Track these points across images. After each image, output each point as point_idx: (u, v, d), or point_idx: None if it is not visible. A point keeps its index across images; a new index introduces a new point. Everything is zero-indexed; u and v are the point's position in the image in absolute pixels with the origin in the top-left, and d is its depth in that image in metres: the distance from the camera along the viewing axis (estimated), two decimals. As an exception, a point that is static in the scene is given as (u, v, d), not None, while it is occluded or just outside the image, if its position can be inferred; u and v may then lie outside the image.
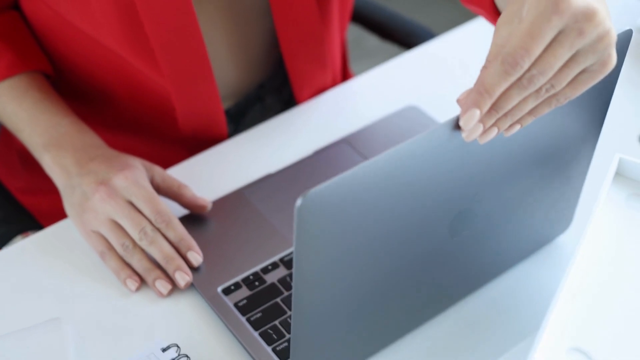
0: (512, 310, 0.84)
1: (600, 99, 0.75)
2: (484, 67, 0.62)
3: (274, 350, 0.79)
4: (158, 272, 0.85)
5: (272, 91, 1.13)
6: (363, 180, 0.61)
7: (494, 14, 0.81)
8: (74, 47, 0.98)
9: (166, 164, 1.02)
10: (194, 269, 0.86)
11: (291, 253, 0.87)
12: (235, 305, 0.83)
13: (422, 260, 0.74)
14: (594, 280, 0.73)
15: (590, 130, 0.78)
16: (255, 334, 0.81)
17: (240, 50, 1.04)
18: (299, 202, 0.58)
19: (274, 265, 0.86)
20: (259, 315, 0.82)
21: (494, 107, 0.63)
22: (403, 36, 1.33)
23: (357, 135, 1.01)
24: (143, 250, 0.86)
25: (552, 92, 0.63)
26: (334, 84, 1.13)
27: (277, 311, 0.82)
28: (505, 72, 0.61)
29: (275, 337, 0.80)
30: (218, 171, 0.98)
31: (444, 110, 1.04)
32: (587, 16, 0.60)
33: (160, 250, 0.85)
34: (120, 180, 0.87)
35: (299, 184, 0.95)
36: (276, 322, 0.81)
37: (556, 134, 0.74)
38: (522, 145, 0.72)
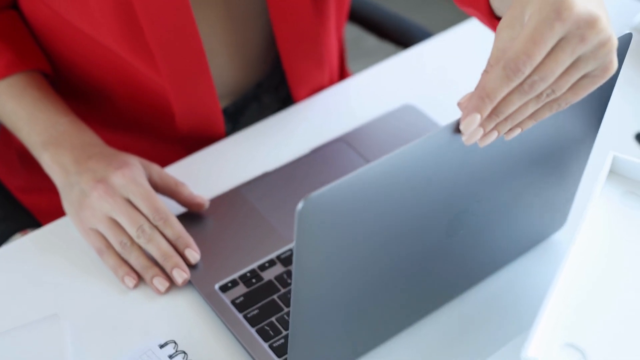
0: (507, 307, 0.84)
1: (598, 100, 0.76)
2: (485, 71, 0.63)
3: (270, 346, 0.80)
4: (156, 270, 0.86)
5: (270, 90, 1.13)
6: (363, 184, 0.62)
7: (489, 17, 0.81)
8: (72, 46, 0.98)
9: (164, 162, 1.02)
10: (191, 267, 0.87)
11: (288, 250, 0.88)
12: (233, 302, 0.83)
13: (419, 260, 0.74)
14: (587, 276, 0.73)
15: (588, 130, 0.78)
16: (252, 330, 0.81)
17: (237, 49, 1.04)
18: (300, 205, 0.58)
19: (271, 263, 0.87)
20: (255, 312, 0.83)
21: (494, 111, 0.63)
22: (400, 36, 1.33)
23: (354, 134, 1.01)
24: (141, 248, 0.86)
25: (553, 97, 0.64)
26: (331, 83, 1.14)
27: (274, 308, 0.83)
28: (507, 77, 0.61)
29: (272, 333, 0.81)
30: (215, 169, 0.98)
31: (441, 109, 1.05)
32: (589, 23, 0.60)
33: (158, 248, 0.86)
34: (118, 178, 0.88)
35: (296, 182, 0.95)
36: (273, 319, 0.82)
37: (554, 134, 0.75)
38: (521, 146, 0.73)
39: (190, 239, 0.87)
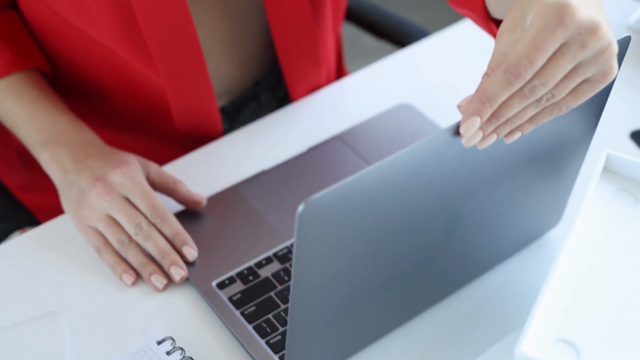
0: (502, 304, 0.85)
1: (596, 100, 0.76)
2: (486, 75, 0.63)
3: (267, 343, 0.80)
4: (153, 267, 0.86)
5: (267, 89, 1.14)
6: (363, 187, 0.62)
7: (485, 18, 0.81)
8: (71, 46, 0.99)
9: (162, 160, 1.03)
10: (189, 264, 0.87)
11: (285, 248, 0.89)
12: (230, 299, 0.84)
13: (416, 259, 0.75)
14: (581, 273, 0.74)
15: (585, 130, 0.79)
16: (249, 327, 0.82)
17: (235, 48, 1.05)
18: (300, 208, 0.59)
19: (268, 260, 0.88)
20: (253, 308, 0.83)
21: (494, 115, 0.64)
22: (397, 35, 1.34)
23: (350, 133, 1.02)
24: (139, 245, 0.87)
25: (553, 101, 0.64)
26: (328, 82, 1.14)
27: (271, 305, 0.84)
28: (508, 81, 0.61)
29: (268, 330, 0.81)
30: (213, 168, 0.99)
31: (437, 108, 1.05)
32: (591, 30, 0.61)
33: (156, 245, 0.86)
34: (116, 177, 0.88)
35: (293, 181, 0.96)
36: (270, 316, 0.83)
37: (552, 134, 0.75)
38: (519, 146, 0.73)
39: (187, 237, 0.88)
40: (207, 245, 0.89)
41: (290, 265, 0.87)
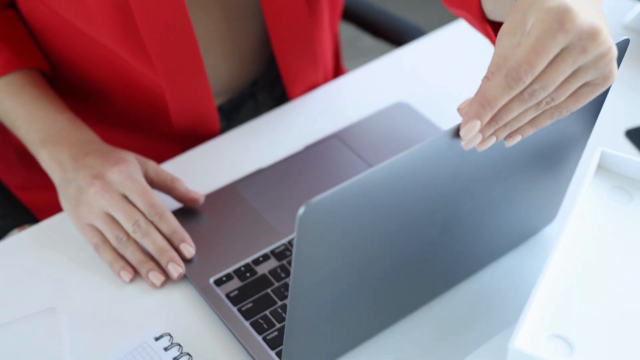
0: (497, 300, 0.86)
1: (593, 101, 0.76)
2: (486, 78, 0.63)
3: (264, 339, 0.81)
4: (151, 264, 0.87)
5: (265, 88, 1.14)
6: (363, 189, 0.63)
7: (480, 19, 0.82)
8: (70, 45, 0.99)
9: (160, 159, 1.03)
10: (186, 261, 0.88)
11: (282, 245, 0.89)
12: (227, 295, 0.85)
13: (414, 258, 0.76)
14: (574, 269, 0.74)
15: (582, 129, 0.79)
16: (246, 323, 0.82)
17: (232, 47, 1.05)
18: (301, 210, 0.59)
19: (265, 257, 0.88)
20: (249, 305, 0.84)
21: (494, 118, 0.64)
22: (394, 35, 1.34)
23: (347, 131, 1.02)
24: (137, 243, 0.88)
25: (552, 104, 0.64)
26: (325, 80, 1.15)
27: (268, 301, 0.84)
28: (508, 85, 0.62)
29: (265, 326, 0.82)
30: (211, 166, 0.99)
31: (433, 107, 1.06)
32: (591, 35, 0.61)
33: (154, 243, 0.87)
34: (114, 175, 0.89)
35: (290, 179, 0.97)
36: (266, 312, 0.83)
37: (550, 133, 0.75)
38: (517, 145, 0.73)
39: (185, 234, 0.88)
40: (204, 243, 0.90)
41: (287, 263, 0.88)
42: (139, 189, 0.88)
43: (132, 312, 0.85)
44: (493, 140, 0.66)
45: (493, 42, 0.82)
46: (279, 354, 0.80)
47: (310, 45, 1.05)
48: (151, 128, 1.05)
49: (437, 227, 0.75)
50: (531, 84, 0.62)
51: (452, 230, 0.77)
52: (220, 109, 1.10)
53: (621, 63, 1.11)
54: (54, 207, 1.04)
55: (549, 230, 0.92)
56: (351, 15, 1.38)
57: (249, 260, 0.88)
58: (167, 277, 0.87)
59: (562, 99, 0.64)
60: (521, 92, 0.63)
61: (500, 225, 0.83)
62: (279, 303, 0.84)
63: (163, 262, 0.86)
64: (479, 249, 0.84)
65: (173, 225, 0.88)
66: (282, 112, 1.06)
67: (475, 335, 0.83)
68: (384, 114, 1.04)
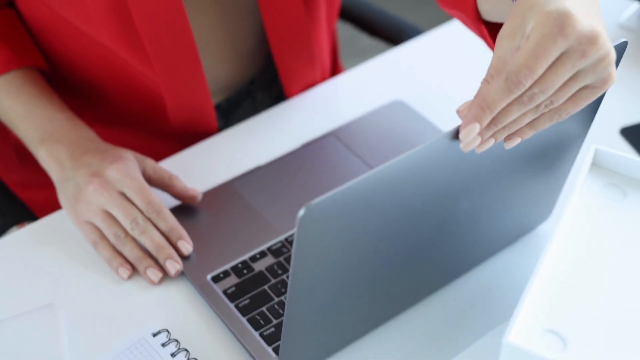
0: (492, 296, 0.86)
1: (591, 102, 0.77)
2: (486, 81, 0.64)
3: (261, 335, 0.82)
4: (149, 261, 0.87)
5: (263, 87, 1.14)
6: (363, 191, 0.63)
7: (475, 20, 0.82)
8: (68, 44, 0.99)
9: (158, 156, 1.04)
10: (184, 258, 0.88)
11: (279, 242, 0.90)
12: (224, 292, 0.85)
13: (411, 256, 0.76)
14: (568, 265, 0.75)
15: (579, 129, 0.80)
16: (243, 319, 0.83)
17: (230, 46, 1.06)
18: (301, 212, 0.60)
19: (262, 254, 0.89)
20: (247, 301, 0.84)
21: (493, 121, 0.65)
22: (391, 34, 1.35)
23: (343, 129, 1.03)
24: (135, 240, 0.88)
25: (551, 107, 0.65)
26: (323, 79, 1.15)
27: (265, 298, 0.85)
28: (508, 89, 0.62)
29: (262, 322, 0.83)
30: (208, 164, 1.00)
31: (429, 105, 1.06)
32: (591, 40, 0.61)
33: (152, 240, 0.87)
34: (112, 172, 0.89)
35: (287, 176, 0.97)
36: (263, 309, 0.84)
37: (547, 133, 0.76)
38: (515, 146, 0.74)
39: (183, 231, 0.89)
40: (202, 240, 0.90)
41: (284, 259, 0.88)
42: (136, 186, 0.89)
43: (130, 309, 0.85)
44: (492, 142, 0.66)
45: (487, 42, 0.83)
46: (275, 350, 0.80)
47: (308, 43, 1.06)
48: (149, 126, 1.05)
49: (435, 227, 0.75)
50: (530, 87, 0.63)
51: (449, 229, 0.77)
52: (218, 107, 1.10)
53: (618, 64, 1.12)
54: (53, 205, 1.05)
55: (544, 228, 0.92)
56: (349, 15, 1.39)
57: (246, 257, 0.88)
58: (165, 274, 0.88)
59: (561, 102, 0.65)
60: (520, 96, 0.63)
61: (496, 223, 0.84)
62: (276, 299, 0.85)
63: (161, 259, 0.87)
64: (474, 246, 0.85)
65: (171, 222, 0.89)
66: (279, 111, 1.06)
67: (471, 331, 0.83)
68: (381, 112, 1.05)
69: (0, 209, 1.11)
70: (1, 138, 1.12)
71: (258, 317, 0.83)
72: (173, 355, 0.80)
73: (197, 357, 0.81)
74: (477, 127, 0.64)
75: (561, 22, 0.61)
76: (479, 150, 0.66)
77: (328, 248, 0.66)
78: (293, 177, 0.97)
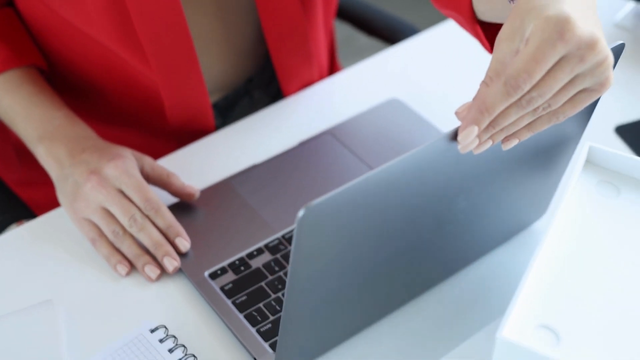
0: (488, 292, 0.87)
1: None
2: (485, 83, 0.64)
3: (258, 331, 0.82)
4: (147, 258, 0.88)
5: (260, 86, 1.15)
6: (362, 193, 0.64)
7: (471, 20, 0.82)
8: (67, 43, 1.00)
9: (156, 155, 1.04)
10: (182, 255, 0.89)
11: (276, 239, 0.90)
12: (222, 288, 0.86)
13: (408, 254, 0.77)
14: (562, 261, 0.75)
15: (575, 129, 0.80)
16: (241, 316, 0.83)
17: (227, 45, 1.06)
18: (301, 213, 0.60)
19: (259, 251, 0.89)
20: (244, 298, 0.85)
21: (491, 123, 0.65)
22: (388, 33, 1.35)
23: (340, 127, 1.03)
24: (133, 237, 0.88)
25: (549, 110, 0.66)
26: (320, 78, 1.15)
27: (262, 294, 0.85)
28: (507, 93, 0.63)
29: (259, 319, 0.83)
30: (206, 162, 1.00)
31: (425, 103, 1.07)
32: (590, 45, 0.62)
33: (150, 237, 0.88)
34: (111, 170, 0.90)
35: (284, 174, 0.98)
36: (260, 305, 0.84)
37: (543, 134, 0.76)
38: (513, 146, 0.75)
39: (180, 228, 0.89)
40: (199, 237, 0.91)
41: (281, 256, 0.89)
42: (135, 183, 0.89)
43: (128, 305, 0.86)
44: (489, 144, 0.67)
45: (482, 43, 0.83)
46: (272, 346, 0.81)
47: (305, 42, 1.06)
48: (147, 125, 1.06)
49: (432, 226, 0.76)
50: (529, 91, 0.63)
51: (446, 228, 0.78)
52: (216, 106, 1.11)
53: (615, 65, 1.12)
54: (52, 203, 1.05)
55: (538, 225, 0.93)
56: (346, 14, 1.39)
57: (243, 254, 0.89)
58: (163, 271, 0.88)
59: (559, 105, 0.65)
60: (519, 99, 0.64)
61: (492, 221, 0.84)
62: (273, 296, 0.85)
63: (159, 256, 0.87)
64: (470, 243, 0.85)
65: (169, 219, 0.89)
66: (276, 109, 1.07)
67: (466, 326, 0.84)
68: (377, 111, 1.05)
69: (0, 209, 1.11)
70: (1, 137, 1.12)
71: (255, 314, 0.83)
72: (170, 351, 0.81)
73: (194, 353, 0.81)
74: (475, 130, 0.65)
75: (561, 27, 0.61)
76: (477, 152, 0.67)
77: (327, 247, 0.66)
78: (290, 175, 0.97)
